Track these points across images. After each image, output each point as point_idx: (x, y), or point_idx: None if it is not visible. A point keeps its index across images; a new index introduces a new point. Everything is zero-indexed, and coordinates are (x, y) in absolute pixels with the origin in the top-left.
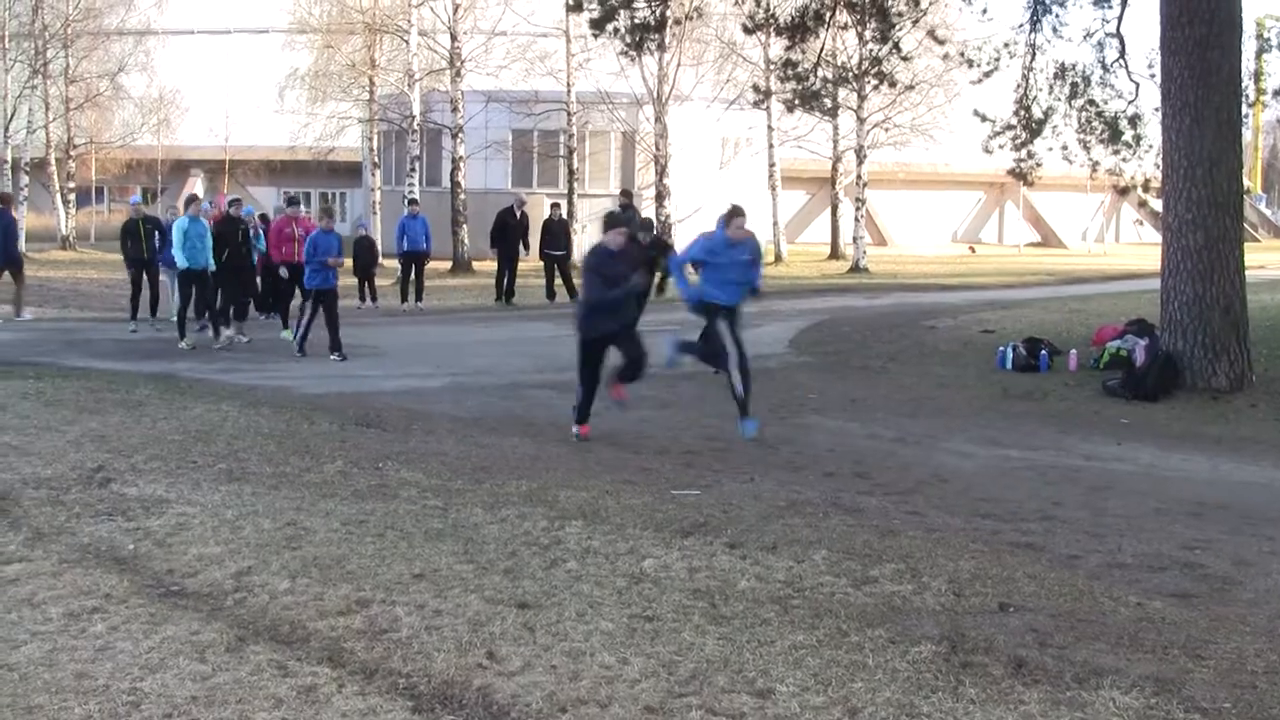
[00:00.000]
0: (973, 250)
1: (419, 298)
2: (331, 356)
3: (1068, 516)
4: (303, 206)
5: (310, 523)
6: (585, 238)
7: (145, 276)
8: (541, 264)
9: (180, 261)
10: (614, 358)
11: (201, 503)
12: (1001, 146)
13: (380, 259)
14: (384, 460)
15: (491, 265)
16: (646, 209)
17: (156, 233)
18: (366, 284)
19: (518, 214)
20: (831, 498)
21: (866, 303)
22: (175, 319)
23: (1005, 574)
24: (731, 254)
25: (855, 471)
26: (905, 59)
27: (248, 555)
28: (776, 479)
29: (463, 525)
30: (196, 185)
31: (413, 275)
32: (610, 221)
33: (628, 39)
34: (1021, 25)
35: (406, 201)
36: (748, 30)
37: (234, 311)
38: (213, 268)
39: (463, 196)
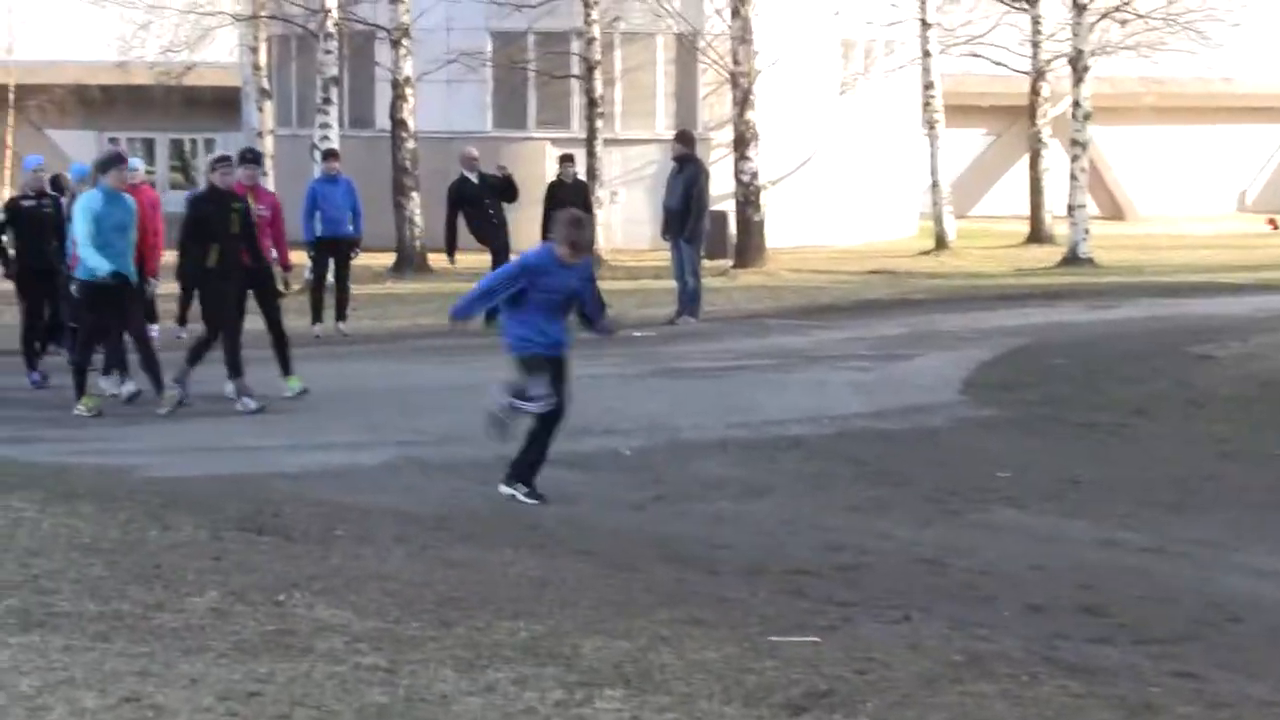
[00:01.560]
0: (1276, 226)
1: (341, 314)
2: None
3: None
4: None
5: (164, 698)
6: (616, 211)
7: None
8: None
9: (94, 266)
10: None
11: None
12: None
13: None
14: (288, 589)
15: (465, 260)
16: (719, 164)
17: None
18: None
19: (475, 178)
20: (1042, 648)
21: (1092, 316)
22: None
23: None
24: None
25: (1081, 604)
26: None
27: None
28: (948, 615)
29: (422, 698)
30: None
31: (330, 275)
32: None
33: None
34: None
35: (320, 154)
36: None
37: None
38: (134, 276)
39: (411, 145)
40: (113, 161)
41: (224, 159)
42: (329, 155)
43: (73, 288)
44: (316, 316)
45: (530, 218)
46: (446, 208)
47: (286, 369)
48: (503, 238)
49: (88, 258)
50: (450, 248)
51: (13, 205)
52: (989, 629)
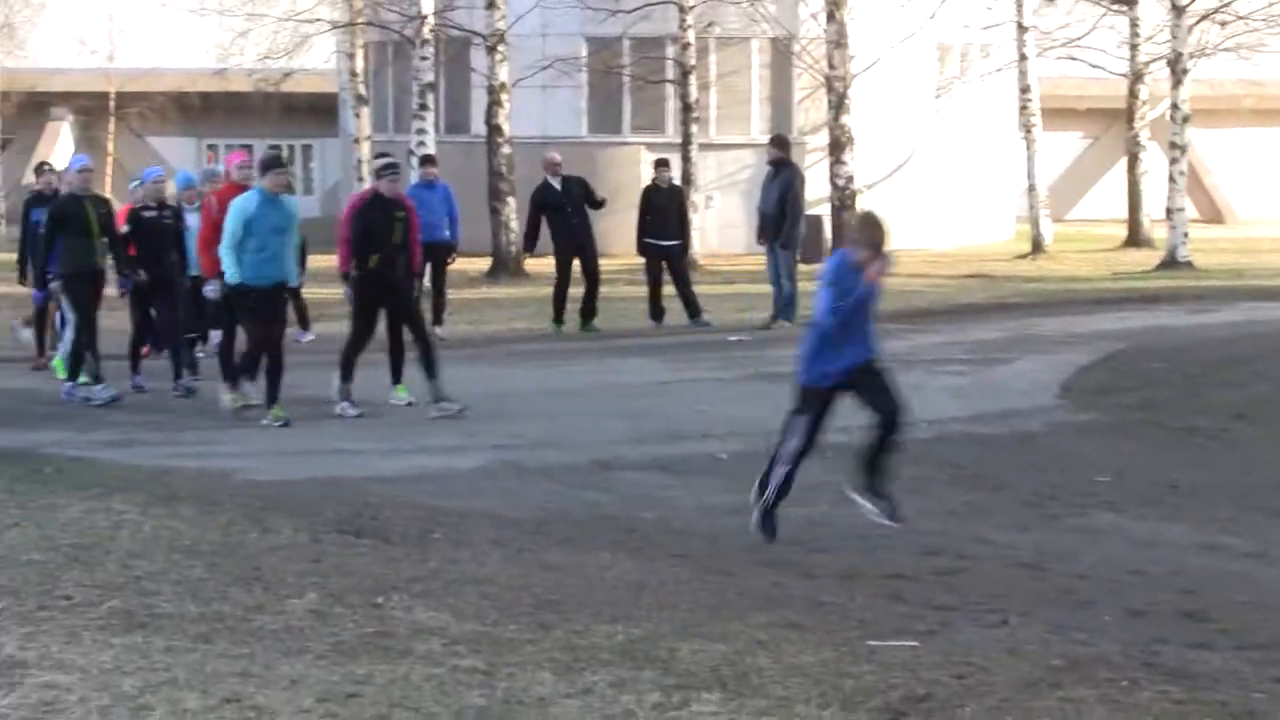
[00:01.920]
0: None
1: (438, 319)
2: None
3: None
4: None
5: (265, 699)
6: (711, 216)
7: (159, 299)
8: (643, 262)
9: (226, 268)
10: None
11: (81, 667)
12: None
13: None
14: (386, 592)
15: (544, 266)
16: (815, 168)
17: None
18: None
19: (557, 184)
20: (1143, 653)
21: (1191, 320)
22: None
23: None
24: None
25: (1182, 609)
26: None
27: None
28: (1046, 620)
29: (519, 701)
30: (62, 132)
31: (426, 280)
32: None
33: None
34: None
35: (417, 160)
36: None
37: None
38: (294, 282)
39: (506, 150)
40: (271, 164)
41: (391, 166)
42: (426, 161)
43: (208, 290)
44: None
45: (625, 222)
46: (529, 211)
47: (398, 377)
48: (583, 242)
49: (225, 261)
50: (529, 245)
51: (134, 216)
52: (1088, 634)
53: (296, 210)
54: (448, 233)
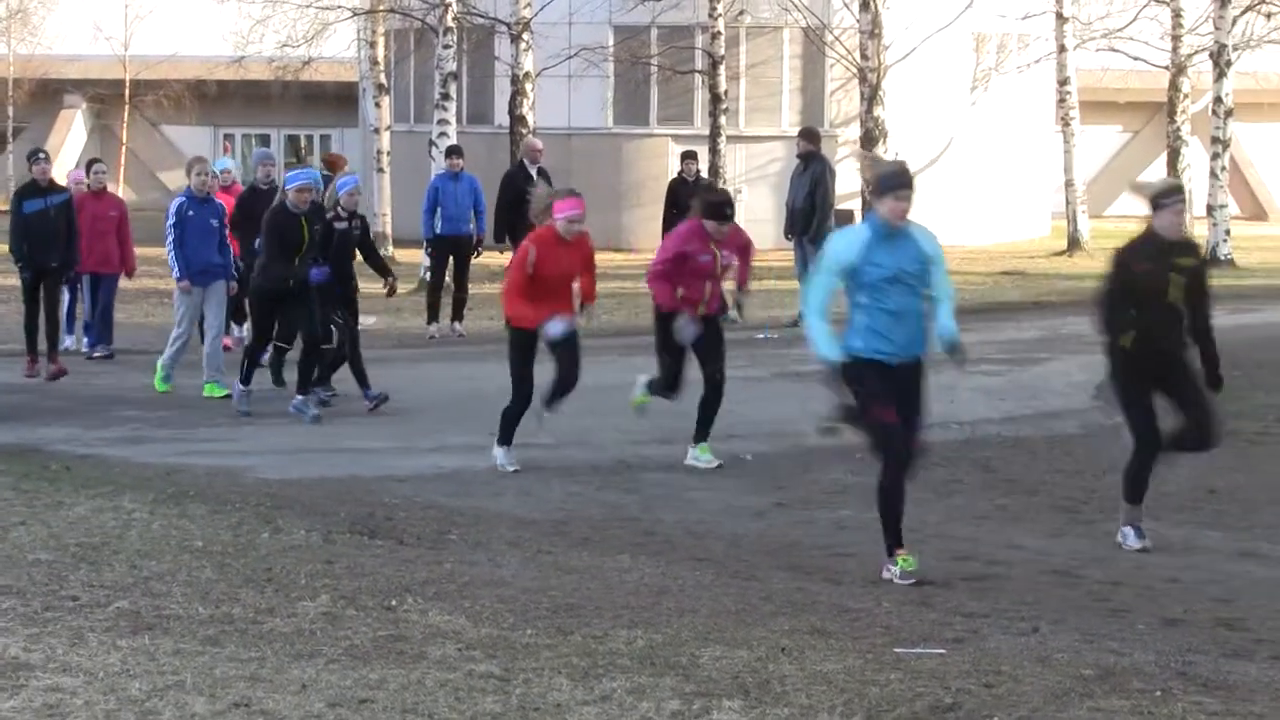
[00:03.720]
0: None
1: (458, 314)
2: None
3: None
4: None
5: (274, 703)
6: (739, 210)
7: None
8: None
9: (826, 349)
10: None
11: (87, 669)
12: None
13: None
14: (400, 594)
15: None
16: (846, 161)
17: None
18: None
19: (534, 171)
20: (1177, 663)
21: (1232, 320)
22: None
23: None
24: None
25: (1219, 618)
26: None
27: None
28: (1079, 628)
29: (536, 707)
30: (76, 121)
31: (448, 276)
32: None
33: None
34: None
35: (444, 152)
36: None
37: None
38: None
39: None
40: (895, 180)
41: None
42: (452, 152)
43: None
44: (433, 316)
45: (652, 216)
46: (499, 203)
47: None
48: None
49: (816, 336)
50: (501, 234)
51: (327, 226)
52: (1121, 642)
53: (937, 250)
54: (472, 226)
